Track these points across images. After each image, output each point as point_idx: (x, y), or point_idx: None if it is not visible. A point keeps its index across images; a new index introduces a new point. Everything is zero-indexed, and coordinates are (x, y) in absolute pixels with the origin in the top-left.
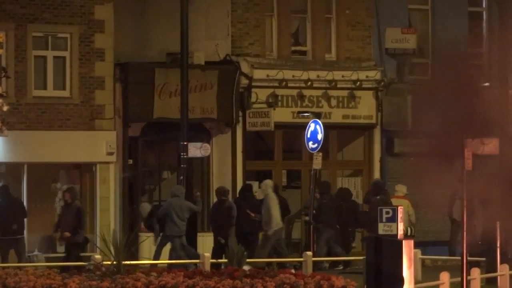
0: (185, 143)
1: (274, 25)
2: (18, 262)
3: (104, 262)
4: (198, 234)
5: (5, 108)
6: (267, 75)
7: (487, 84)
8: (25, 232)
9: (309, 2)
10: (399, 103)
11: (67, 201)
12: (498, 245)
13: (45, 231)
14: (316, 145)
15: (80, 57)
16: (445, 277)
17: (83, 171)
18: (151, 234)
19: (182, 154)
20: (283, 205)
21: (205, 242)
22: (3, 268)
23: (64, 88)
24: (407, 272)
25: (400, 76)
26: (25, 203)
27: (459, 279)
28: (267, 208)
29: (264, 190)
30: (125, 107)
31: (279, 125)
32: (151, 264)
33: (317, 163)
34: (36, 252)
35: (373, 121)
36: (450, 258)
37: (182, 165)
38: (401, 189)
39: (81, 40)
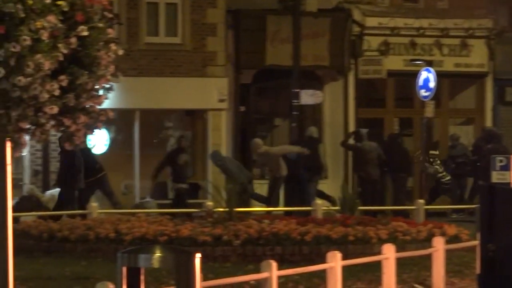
0: (297, 90)
1: None
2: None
3: (216, 209)
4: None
5: (120, 52)
6: (379, 23)
7: None
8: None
9: None
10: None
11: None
12: None
13: (156, 178)
14: (428, 93)
15: (192, 4)
16: None
17: (195, 118)
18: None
19: (294, 101)
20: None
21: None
22: (107, 213)
23: (175, 35)
24: None
25: None
26: (137, 149)
27: None
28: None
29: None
30: (237, 54)
31: (391, 73)
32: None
33: (429, 111)
34: (148, 199)
35: (485, 69)
36: None
37: (294, 112)
38: None
39: None
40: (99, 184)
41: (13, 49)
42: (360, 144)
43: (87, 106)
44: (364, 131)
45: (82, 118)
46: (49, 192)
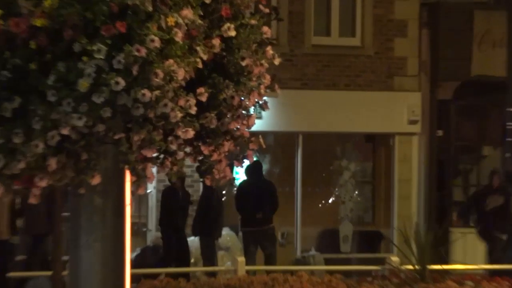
0: None
1: None
2: (266, 263)
3: (404, 267)
4: None
5: (276, 61)
6: None
7: None
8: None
9: None
10: None
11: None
12: None
13: (324, 224)
14: None
15: None
16: None
17: (377, 145)
18: (469, 230)
19: (508, 123)
20: None
21: None
22: (268, 272)
23: (353, 35)
24: None
25: None
26: (299, 186)
27: None
28: None
29: None
30: (433, 61)
31: None
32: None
33: None
34: (312, 252)
35: None
36: None
37: (507, 139)
38: None
39: None
40: (264, 236)
41: (136, 53)
42: None
43: (233, 128)
44: None
45: (226, 146)
46: None
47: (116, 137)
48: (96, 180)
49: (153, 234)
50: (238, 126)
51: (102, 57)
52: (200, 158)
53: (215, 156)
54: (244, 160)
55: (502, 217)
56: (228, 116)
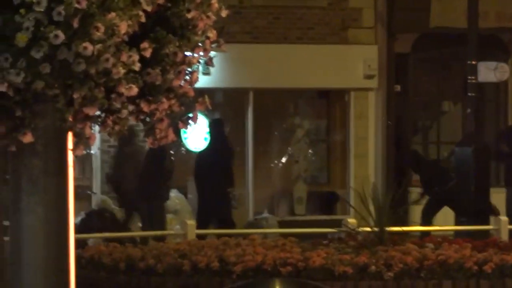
0: (473, 62)
1: None
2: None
3: (361, 229)
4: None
5: (223, 13)
6: None
7: None
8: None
9: None
10: None
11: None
12: None
13: (276, 185)
14: None
15: None
16: None
17: (331, 101)
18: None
19: (469, 77)
20: None
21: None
22: (219, 236)
23: None
24: None
25: None
26: (250, 145)
27: None
28: None
29: None
30: (390, 11)
31: None
32: (425, 232)
33: None
34: (265, 214)
35: None
36: None
37: (469, 94)
38: None
39: None
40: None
41: (77, 5)
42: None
43: (176, 86)
44: None
45: (166, 103)
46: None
47: (51, 93)
48: (27, 139)
49: (98, 197)
50: (182, 84)
51: (42, 9)
52: (142, 117)
53: (157, 115)
54: (190, 122)
55: None
56: (171, 72)
